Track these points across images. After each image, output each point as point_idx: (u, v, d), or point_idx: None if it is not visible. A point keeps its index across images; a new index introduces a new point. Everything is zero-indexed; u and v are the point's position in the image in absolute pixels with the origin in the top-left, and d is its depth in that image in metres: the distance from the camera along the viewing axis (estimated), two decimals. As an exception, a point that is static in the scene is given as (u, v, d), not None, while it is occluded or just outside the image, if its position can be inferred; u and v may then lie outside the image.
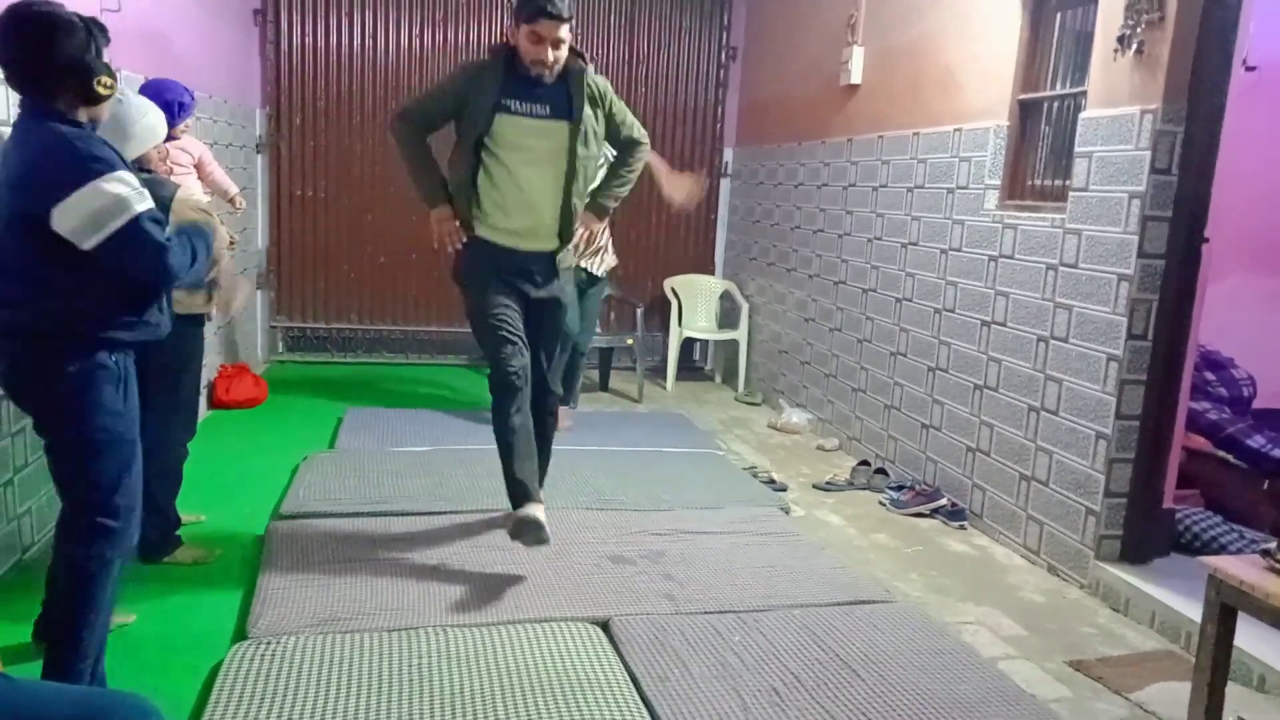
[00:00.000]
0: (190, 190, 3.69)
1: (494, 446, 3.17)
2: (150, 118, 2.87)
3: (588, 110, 3.10)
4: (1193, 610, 2.77)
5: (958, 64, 4.24)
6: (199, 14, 4.94)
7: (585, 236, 3.35)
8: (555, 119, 3.06)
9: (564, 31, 2.96)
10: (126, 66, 3.79)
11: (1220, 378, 4.10)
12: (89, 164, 2.06)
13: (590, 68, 3.15)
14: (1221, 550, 3.33)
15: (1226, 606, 2.11)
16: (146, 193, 2.14)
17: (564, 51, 3.01)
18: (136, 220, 2.08)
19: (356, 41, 6.31)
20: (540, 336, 3.20)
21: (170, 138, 3.65)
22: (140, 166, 2.90)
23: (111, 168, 2.08)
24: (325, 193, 6.41)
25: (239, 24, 5.88)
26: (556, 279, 3.25)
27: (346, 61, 6.32)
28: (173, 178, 3.65)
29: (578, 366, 5.16)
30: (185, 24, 4.67)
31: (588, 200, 3.29)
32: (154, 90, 3.57)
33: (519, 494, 3.09)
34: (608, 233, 5.12)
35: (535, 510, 3.03)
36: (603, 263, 5.16)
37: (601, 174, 3.50)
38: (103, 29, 2.26)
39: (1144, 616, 3.15)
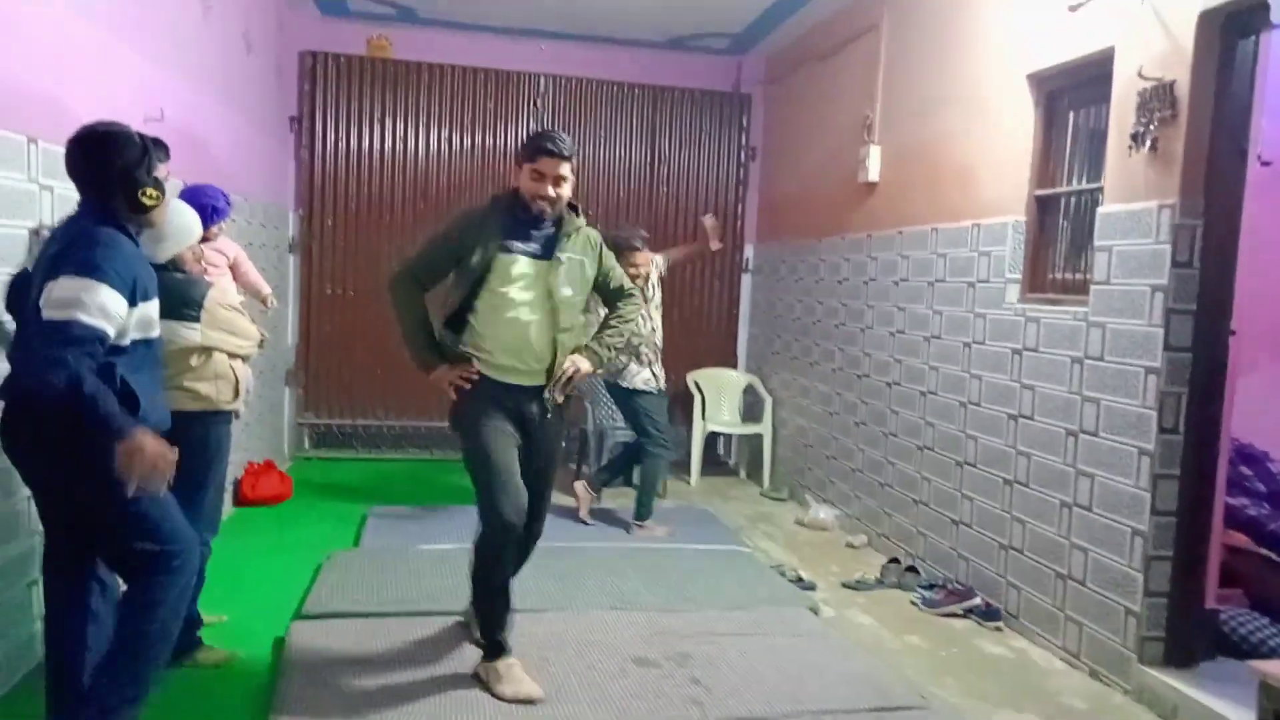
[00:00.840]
0: (224, 290, 3.78)
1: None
2: (184, 219, 2.97)
3: (575, 253, 3.13)
4: (1244, 718, 2.64)
5: (973, 162, 4.31)
6: (238, 121, 5.14)
7: (570, 375, 3.16)
8: (545, 258, 3.08)
9: (565, 169, 3.03)
10: (169, 171, 3.94)
11: (1257, 472, 4.01)
12: (92, 265, 2.23)
13: (583, 220, 3.21)
14: (1271, 653, 3.20)
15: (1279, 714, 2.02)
16: (112, 315, 2.24)
17: (566, 190, 3.07)
18: (72, 323, 2.18)
19: (387, 145, 6.54)
20: (529, 472, 3.09)
21: (205, 239, 3.77)
22: (175, 266, 2.99)
23: (104, 280, 2.23)
24: (354, 291, 6.55)
25: (275, 130, 6.12)
26: (548, 415, 3.17)
27: (377, 164, 6.53)
28: (207, 277, 3.76)
29: (654, 473, 5.04)
30: (224, 131, 4.87)
31: (582, 345, 3.22)
32: (191, 194, 3.70)
33: (496, 645, 3.05)
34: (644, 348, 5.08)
35: (516, 671, 3.00)
36: (634, 376, 5.04)
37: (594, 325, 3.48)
38: (163, 147, 2.51)
39: (1193, 724, 3.01)
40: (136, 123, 3.64)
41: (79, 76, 3.17)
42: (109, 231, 2.34)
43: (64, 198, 3.06)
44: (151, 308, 2.50)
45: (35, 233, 2.91)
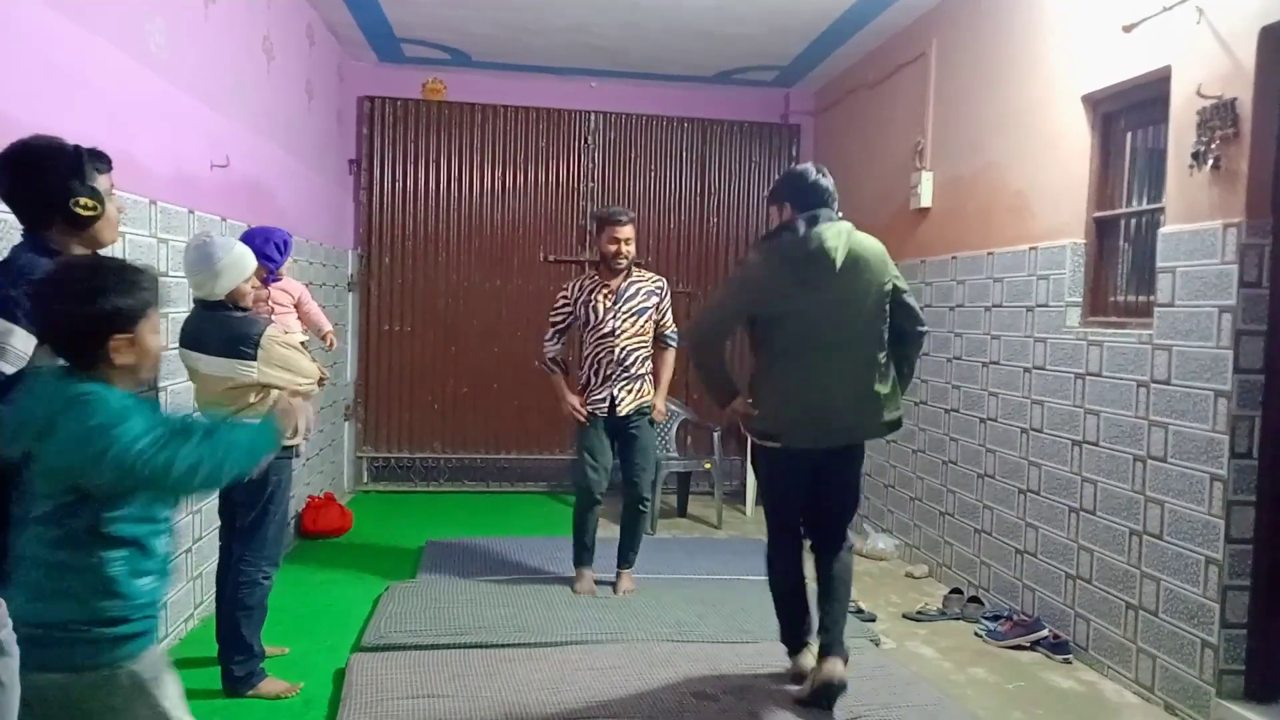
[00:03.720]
0: (288, 327, 3.88)
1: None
2: (235, 253, 3.04)
3: None
4: (1334, 756, 2.52)
5: (1029, 185, 4.26)
6: (300, 166, 5.31)
7: None
8: None
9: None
10: (233, 216, 4.09)
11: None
12: None
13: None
14: (1360, 687, 3.06)
15: (1372, 752, 1.92)
16: (8, 353, 2.02)
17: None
18: None
19: (443, 185, 6.69)
20: None
21: (275, 278, 3.89)
22: (234, 304, 3.07)
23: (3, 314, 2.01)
24: (411, 327, 6.68)
25: (335, 173, 6.30)
26: None
27: (433, 204, 6.68)
28: (273, 316, 3.86)
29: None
30: (287, 176, 5.03)
31: None
32: (258, 235, 3.82)
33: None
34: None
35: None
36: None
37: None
38: (101, 157, 2.28)
39: (1279, 762, 2.88)
40: (203, 170, 3.80)
41: (148, 129, 3.31)
42: (27, 258, 2.14)
43: (137, 244, 3.19)
44: None
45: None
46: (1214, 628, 3.12)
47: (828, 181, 3.12)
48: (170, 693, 1.83)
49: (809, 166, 3.17)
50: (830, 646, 3.12)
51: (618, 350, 4.19)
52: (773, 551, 3.34)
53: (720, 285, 3.27)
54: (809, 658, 3.24)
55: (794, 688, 3.22)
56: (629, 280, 4.25)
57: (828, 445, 3.11)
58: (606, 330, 4.19)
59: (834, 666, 3.08)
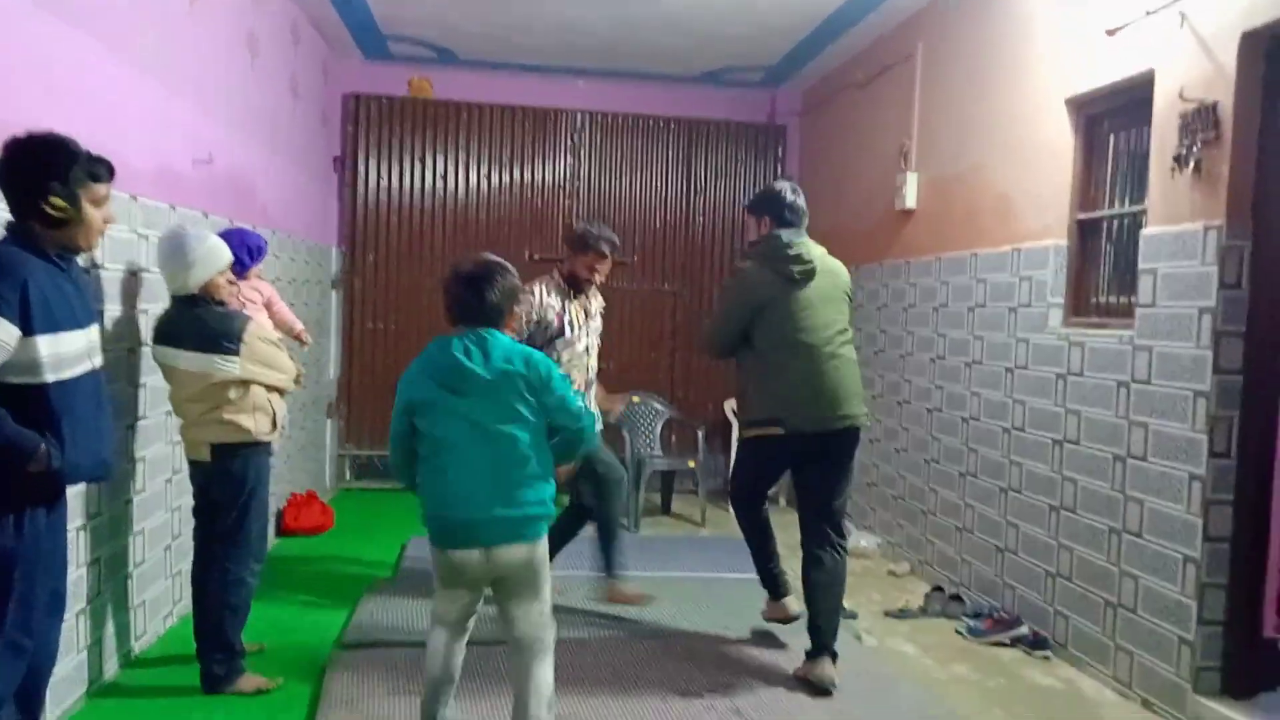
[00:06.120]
0: (263, 324, 3.86)
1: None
2: (208, 245, 3.02)
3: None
4: (1309, 752, 2.55)
5: (1013, 187, 4.29)
6: (284, 163, 5.28)
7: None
8: None
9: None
10: (216, 211, 4.06)
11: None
12: None
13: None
14: (1335, 685, 3.09)
15: (1346, 747, 1.94)
16: None
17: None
18: None
19: (428, 183, 6.66)
20: None
21: (245, 279, 3.85)
22: (212, 299, 3.05)
23: None
24: (395, 325, 6.64)
25: (320, 170, 6.26)
26: None
27: (418, 202, 6.65)
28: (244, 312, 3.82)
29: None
30: (271, 173, 4.99)
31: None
32: (233, 235, 3.79)
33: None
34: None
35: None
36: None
37: None
38: (102, 163, 2.27)
39: (1255, 759, 2.91)
40: (186, 166, 3.77)
41: (130, 124, 3.27)
42: (8, 251, 2.14)
43: (118, 240, 3.16)
44: (69, 341, 2.21)
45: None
46: (1191, 625, 3.15)
47: (801, 201, 3.53)
48: None
49: (785, 186, 3.55)
50: (821, 649, 3.35)
51: (591, 371, 4.06)
52: (737, 502, 3.80)
53: (719, 297, 3.67)
54: (793, 602, 3.69)
55: (782, 620, 3.73)
56: (593, 298, 4.11)
57: (827, 428, 3.37)
58: (582, 348, 3.99)
59: (824, 669, 3.30)
